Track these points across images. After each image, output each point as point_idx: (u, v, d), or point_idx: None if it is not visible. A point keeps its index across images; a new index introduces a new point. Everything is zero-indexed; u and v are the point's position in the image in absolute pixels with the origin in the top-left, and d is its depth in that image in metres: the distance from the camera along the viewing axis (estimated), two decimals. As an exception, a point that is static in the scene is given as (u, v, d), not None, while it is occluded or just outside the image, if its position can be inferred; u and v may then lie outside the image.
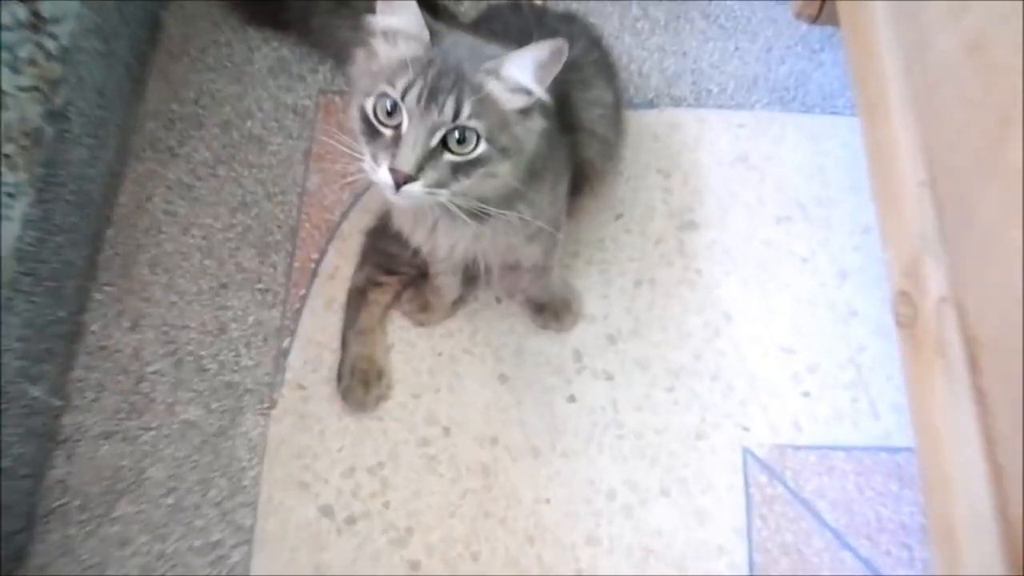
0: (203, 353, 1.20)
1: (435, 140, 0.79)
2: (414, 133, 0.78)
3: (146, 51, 1.39)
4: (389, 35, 0.83)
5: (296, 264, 1.25)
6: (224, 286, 1.24)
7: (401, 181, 0.79)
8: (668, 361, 1.20)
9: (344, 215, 1.29)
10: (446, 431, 1.15)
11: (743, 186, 1.32)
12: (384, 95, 0.80)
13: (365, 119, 0.83)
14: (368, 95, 0.82)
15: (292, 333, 1.21)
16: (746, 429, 1.17)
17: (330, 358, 1.19)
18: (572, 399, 1.18)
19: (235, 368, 1.19)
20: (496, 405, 1.17)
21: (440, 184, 0.81)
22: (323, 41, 1.38)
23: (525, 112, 0.82)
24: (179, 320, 1.22)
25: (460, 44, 0.83)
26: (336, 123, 1.36)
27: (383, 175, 0.80)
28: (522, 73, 0.79)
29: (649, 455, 1.15)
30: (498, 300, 1.23)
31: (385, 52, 0.83)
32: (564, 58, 0.77)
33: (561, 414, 1.16)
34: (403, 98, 0.79)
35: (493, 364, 1.19)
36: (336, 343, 1.19)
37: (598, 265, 1.26)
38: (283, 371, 1.18)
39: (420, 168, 0.79)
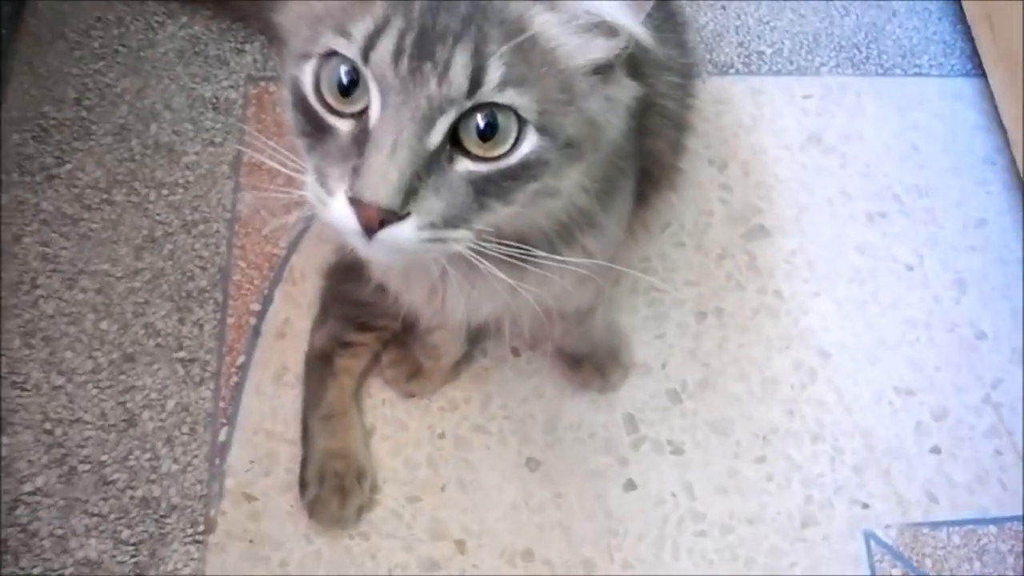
0: (105, 458, 0.84)
1: (437, 136, 0.45)
2: (394, 125, 0.45)
3: (3, 35, 1.01)
4: None
5: (230, 320, 0.90)
6: (130, 358, 0.88)
7: (375, 222, 0.45)
8: (753, 421, 0.89)
9: (293, 247, 0.94)
10: (460, 546, 0.82)
11: (820, 176, 1.01)
12: (332, 55, 0.46)
13: (301, 103, 0.49)
14: (304, 58, 0.48)
15: (231, 421, 0.86)
16: (866, 506, 0.86)
17: (287, 453, 0.85)
18: (631, 485, 0.85)
19: (152, 477, 0.84)
20: (527, 503, 0.84)
21: (452, 220, 0.47)
22: (248, 10, 1.03)
23: (605, 71, 0.49)
24: (68, 412, 0.86)
25: None
26: (274, 121, 1.00)
27: (339, 211, 0.46)
28: None
29: (743, 555, 0.83)
30: (516, 352, 0.90)
31: None
32: None
33: (618, 508, 0.84)
34: (366, 56, 0.45)
35: (517, 445, 0.86)
36: (294, 431, 0.85)
37: (645, 294, 0.94)
38: (221, 477, 0.84)
39: (410, 194, 0.45)
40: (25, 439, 0.84)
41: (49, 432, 0.85)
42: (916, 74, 1.08)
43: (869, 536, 0.85)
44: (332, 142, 0.48)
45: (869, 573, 0.84)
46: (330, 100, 0.48)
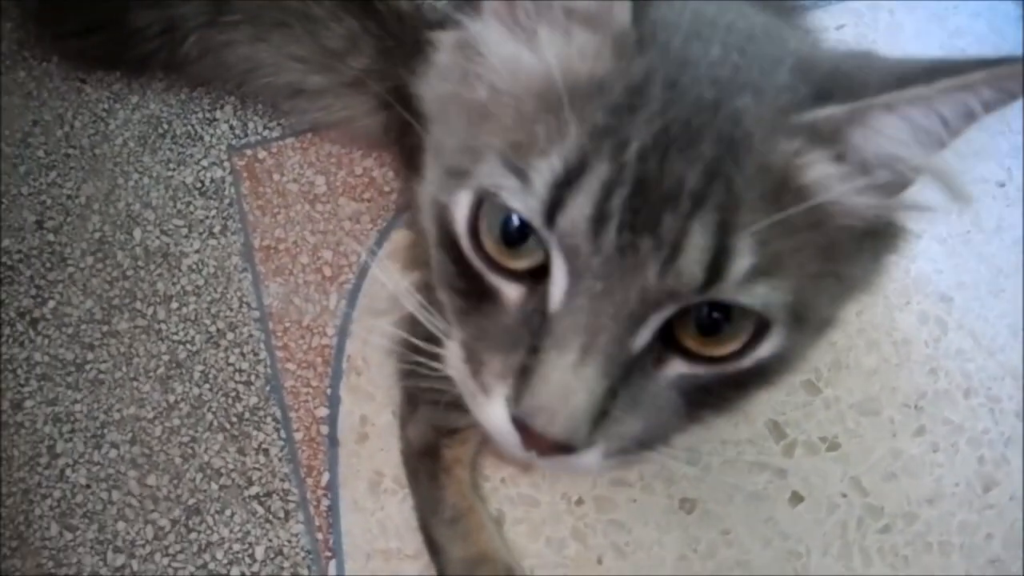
0: (201, 636, 0.71)
1: (644, 336, 0.33)
2: (586, 321, 0.32)
3: (-74, 170, 0.84)
4: (513, 9, 0.34)
5: (298, 435, 0.77)
6: (195, 511, 0.74)
7: (546, 451, 0.34)
8: (899, 392, 0.80)
9: (343, 332, 0.81)
10: (638, 621, 0.72)
11: (881, 107, 0.93)
12: (493, 198, 0.33)
13: (450, 245, 0.36)
14: (458, 178, 0.34)
15: (336, 551, 0.73)
16: (1040, 452, 0.79)
17: (412, 570, 0.72)
18: (797, 498, 0.76)
19: (265, 643, 0.71)
20: (695, 550, 0.74)
21: (647, 441, 0.35)
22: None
23: (874, 229, 0.36)
24: (140, 594, 0.72)
25: (723, 34, 0.35)
26: (275, 191, 0.86)
27: (495, 420, 0.35)
28: (925, 146, 0.33)
29: (935, 541, 0.75)
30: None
31: (505, 56, 0.35)
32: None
33: (792, 527, 0.75)
34: (550, 217, 0.32)
35: (665, 488, 0.76)
36: (412, 544, 0.73)
37: (747, 284, 0.84)
38: (346, 620, 0.71)
39: (600, 416, 0.33)
40: (100, 641, 0.70)
41: (126, 624, 0.71)
42: (942, -23, 1.00)
43: (1054, 483, 0.78)
44: (492, 314, 0.35)
45: (1066, 522, 0.77)
46: (490, 249, 0.34)
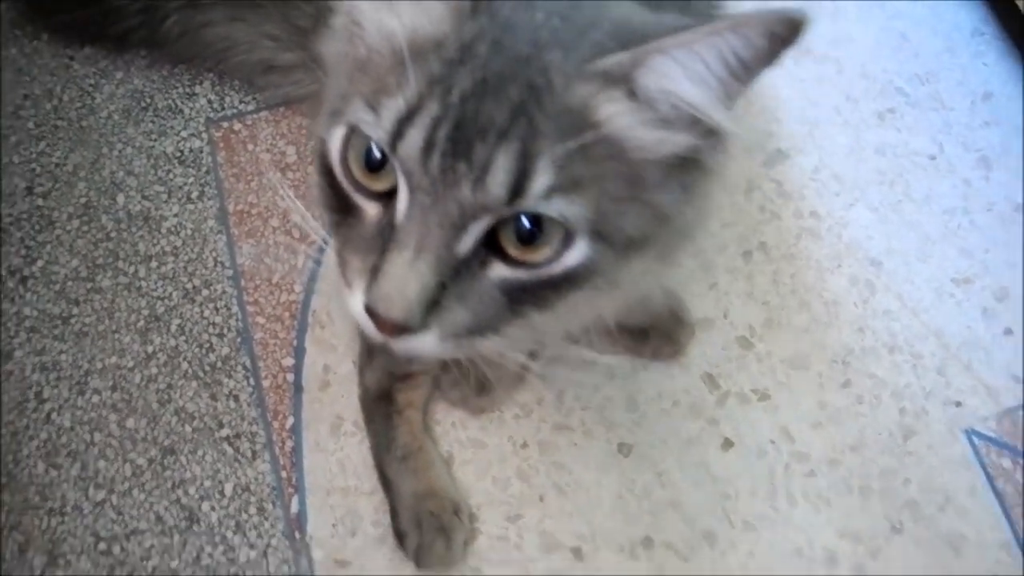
0: (175, 564, 0.77)
1: (468, 242, 0.41)
2: (419, 228, 0.40)
3: (-75, 139, 0.91)
4: None
5: (265, 383, 0.83)
6: (170, 451, 0.81)
7: (390, 333, 0.42)
8: (827, 348, 0.86)
9: (309, 288, 0.87)
10: (576, 554, 0.77)
11: (821, 86, 0.98)
12: (356, 131, 0.42)
13: (327, 173, 0.44)
14: (335, 117, 0.43)
15: (299, 488, 0.79)
16: (959, 404, 0.85)
17: (368, 506, 0.78)
18: (728, 444, 0.82)
19: (232, 571, 0.77)
20: (631, 491, 0.80)
21: (478, 330, 0.43)
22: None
23: (684, 164, 0.43)
24: (120, 526, 0.78)
25: (550, 3, 0.42)
26: (249, 160, 0.93)
27: (356, 308, 0.43)
28: (695, 84, 0.39)
29: (856, 485, 0.81)
30: (574, 339, 0.85)
31: (374, 19, 0.43)
32: (796, 40, 0.36)
33: (723, 471, 0.81)
34: (394, 144, 0.40)
35: (604, 433, 0.82)
36: (369, 482, 0.79)
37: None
38: (307, 550, 0.77)
39: (431, 306, 0.41)
40: (83, 567, 0.76)
41: (106, 552, 0.77)
42: (882, -37, 1.06)
43: (970, 433, 0.83)
44: (357, 226, 0.43)
45: (980, 469, 0.82)
46: (356, 174, 0.43)
